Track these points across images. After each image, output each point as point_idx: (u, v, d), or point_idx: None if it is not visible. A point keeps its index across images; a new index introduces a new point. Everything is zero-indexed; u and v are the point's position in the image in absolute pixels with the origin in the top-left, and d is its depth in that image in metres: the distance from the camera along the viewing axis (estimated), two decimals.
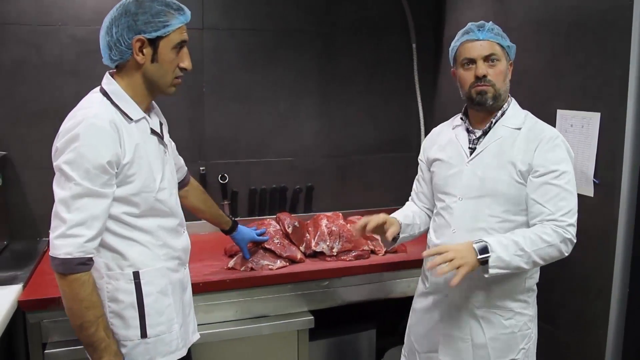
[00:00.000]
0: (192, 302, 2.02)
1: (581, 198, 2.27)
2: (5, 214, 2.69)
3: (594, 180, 2.25)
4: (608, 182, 2.19)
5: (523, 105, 2.13)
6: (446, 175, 2.10)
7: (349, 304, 2.62)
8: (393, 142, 3.44)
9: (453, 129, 2.16)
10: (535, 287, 2.08)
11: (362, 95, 3.34)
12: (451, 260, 1.79)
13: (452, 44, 2.08)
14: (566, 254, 1.89)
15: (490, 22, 2.04)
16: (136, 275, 1.75)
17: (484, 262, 1.81)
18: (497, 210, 1.97)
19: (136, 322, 1.76)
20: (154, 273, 1.79)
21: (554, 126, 2.40)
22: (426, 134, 3.33)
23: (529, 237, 1.84)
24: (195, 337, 2.02)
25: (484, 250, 1.81)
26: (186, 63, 1.78)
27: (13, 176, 2.74)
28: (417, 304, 2.24)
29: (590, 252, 2.27)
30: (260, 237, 2.53)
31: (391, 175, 3.39)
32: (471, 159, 2.04)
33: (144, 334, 1.76)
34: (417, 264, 2.61)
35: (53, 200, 2.67)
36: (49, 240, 1.67)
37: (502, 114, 2.04)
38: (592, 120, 2.27)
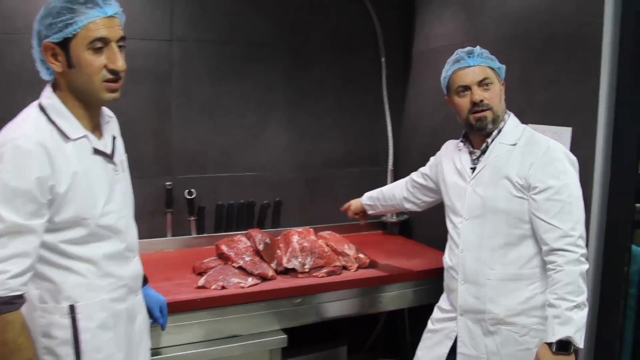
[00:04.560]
0: (145, 328, 1.85)
1: None
2: None
3: None
4: None
5: None
6: (453, 196, 2.18)
7: (321, 321, 2.58)
8: (362, 156, 3.43)
9: (458, 149, 2.21)
10: None
11: (332, 109, 3.33)
12: None
13: (444, 73, 2.12)
14: (586, 266, 1.87)
15: (478, 46, 2.07)
16: (72, 309, 1.57)
17: (565, 346, 1.83)
18: (500, 227, 2.01)
19: (71, 359, 1.58)
20: (93, 306, 1.60)
21: None
22: (395, 147, 3.45)
23: (558, 295, 1.85)
24: None
25: (562, 344, 1.83)
26: (115, 63, 1.55)
27: None
28: (433, 322, 2.28)
29: None
30: (157, 316, 2.01)
31: (360, 189, 3.28)
32: (472, 179, 2.10)
33: None
34: (389, 279, 2.64)
35: None
36: None
37: (499, 132, 2.07)
38: (563, 135, 2.29)
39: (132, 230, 1.77)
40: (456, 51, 2.09)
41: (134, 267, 1.76)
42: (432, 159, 2.44)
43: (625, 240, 2.21)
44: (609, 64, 2.18)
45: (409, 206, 2.55)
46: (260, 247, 2.58)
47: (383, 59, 3.37)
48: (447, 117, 2.98)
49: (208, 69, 3.03)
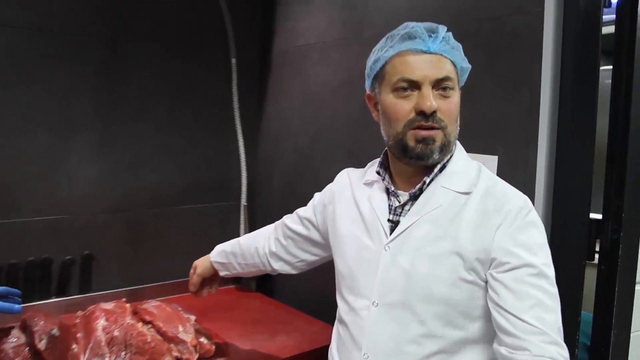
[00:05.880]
0: None
1: None
2: None
3: None
4: None
5: None
6: (353, 263, 1.40)
7: None
8: (205, 188, 2.72)
9: (365, 184, 1.46)
10: None
11: (162, 127, 2.56)
12: None
13: (377, 53, 1.35)
14: None
15: (443, 25, 1.33)
16: None
17: None
18: (433, 324, 1.26)
19: None
20: None
21: None
22: (249, 175, 2.75)
23: None
24: None
25: None
26: None
27: None
28: None
29: None
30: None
31: (203, 233, 2.65)
32: (391, 240, 1.32)
33: None
34: None
35: None
36: None
37: (441, 170, 1.33)
38: (486, 167, 1.68)
39: None
40: (406, 23, 1.33)
41: None
42: (317, 195, 1.66)
43: (576, 314, 1.63)
44: (551, 71, 1.62)
45: (278, 267, 1.75)
46: (42, 344, 1.65)
47: (234, 60, 2.68)
48: (319, 133, 2.36)
49: None
